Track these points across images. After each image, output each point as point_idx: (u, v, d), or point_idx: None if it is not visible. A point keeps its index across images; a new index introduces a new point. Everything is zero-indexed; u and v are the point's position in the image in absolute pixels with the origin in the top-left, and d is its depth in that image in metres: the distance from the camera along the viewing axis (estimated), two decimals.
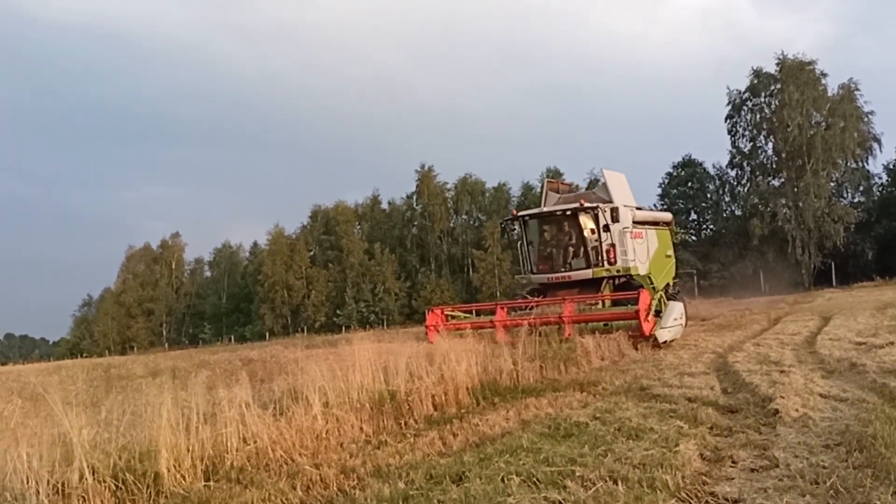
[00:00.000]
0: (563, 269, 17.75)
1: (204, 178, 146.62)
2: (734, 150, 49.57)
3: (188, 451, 5.63)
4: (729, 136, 49.42)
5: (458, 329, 15.76)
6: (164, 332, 69.50)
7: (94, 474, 5.01)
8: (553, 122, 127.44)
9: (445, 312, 17.48)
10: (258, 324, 61.54)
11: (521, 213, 18.71)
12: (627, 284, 16.77)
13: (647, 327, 13.79)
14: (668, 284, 19.81)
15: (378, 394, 7.74)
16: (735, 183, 51.85)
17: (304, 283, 61.71)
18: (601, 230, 17.00)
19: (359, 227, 65.02)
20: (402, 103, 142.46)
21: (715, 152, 78.62)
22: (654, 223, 20.63)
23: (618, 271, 17.16)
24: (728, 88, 48.80)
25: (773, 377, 8.68)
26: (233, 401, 6.22)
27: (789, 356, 10.87)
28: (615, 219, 16.73)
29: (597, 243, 17.19)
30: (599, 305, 15.89)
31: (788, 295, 34.03)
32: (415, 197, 62.66)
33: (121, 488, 5.09)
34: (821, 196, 44.68)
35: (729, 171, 51.42)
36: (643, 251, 18.42)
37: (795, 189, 46.03)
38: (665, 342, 13.96)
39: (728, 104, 48.85)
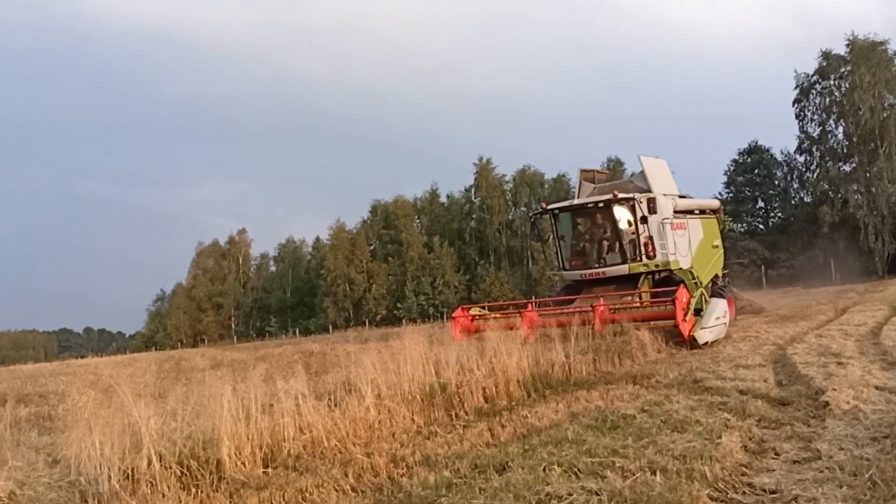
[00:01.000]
0: (597, 265, 16.63)
1: (268, 174, 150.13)
2: (803, 135, 48.17)
3: (248, 439, 5.94)
4: (797, 121, 48.07)
5: (480, 330, 14.41)
6: (233, 326, 71.50)
7: (160, 461, 5.36)
8: (614, 110, 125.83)
9: (472, 313, 16.48)
10: (321, 317, 62.76)
11: (551, 206, 17.55)
12: (668, 280, 15.65)
13: (685, 328, 12.78)
14: (715, 277, 18.83)
15: (429, 386, 7.94)
16: (804, 169, 50.40)
17: (366, 277, 62.62)
18: (638, 222, 15.84)
19: (418, 220, 65.58)
20: (459, 94, 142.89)
21: (782, 138, 76.22)
22: (700, 212, 19.34)
23: (657, 266, 15.98)
24: (796, 72, 47.46)
25: (830, 369, 8.55)
26: (289, 392, 6.52)
27: (851, 347, 10.65)
28: (652, 209, 15.65)
29: (633, 236, 16.03)
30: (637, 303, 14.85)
31: (860, 284, 32.88)
32: (473, 190, 62.86)
33: (185, 474, 5.43)
34: (895, 181, 42.99)
35: (797, 156, 50.08)
36: (684, 243, 17.03)
37: (867, 174, 44.43)
38: (706, 343, 12.95)
39: (796, 88, 47.49)
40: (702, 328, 13.01)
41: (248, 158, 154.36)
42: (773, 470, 4.69)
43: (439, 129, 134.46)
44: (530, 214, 20.09)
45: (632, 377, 9.85)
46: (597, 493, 4.18)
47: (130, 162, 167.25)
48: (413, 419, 7.46)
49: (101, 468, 5.07)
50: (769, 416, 6.38)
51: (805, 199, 51.09)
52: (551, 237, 17.77)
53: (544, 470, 4.87)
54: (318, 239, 73.01)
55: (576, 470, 4.82)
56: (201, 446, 5.66)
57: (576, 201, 17.49)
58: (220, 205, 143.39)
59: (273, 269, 76.88)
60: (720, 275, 19.33)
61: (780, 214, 53.28)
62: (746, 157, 53.12)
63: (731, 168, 53.65)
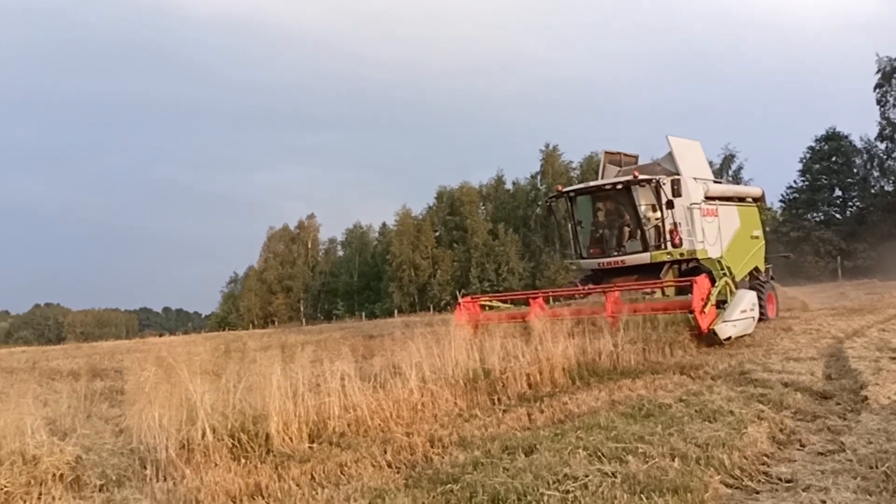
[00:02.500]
0: (615, 253, 15.44)
1: (337, 160, 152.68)
2: (884, 122, 46.34)
3: (295, 416, 6.32)
4: (878, 107, 46.28)
5: (488, 322, 13.81)
6: (302, 308, 73.41)
7: (213, 433, 5.78)
8: (684, 96, 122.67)
9: (481, 302, 15.49)
10: (387, 301, 63.81)
11: (566, 189, 16.44)
12: (696, 270, 14.32)
13: (703, 320, 11.62)
14: (755, 270, 17.66)
15: (472, 371, 8.20)
16: (885, 156, 48.44)
17: (430, 263, 63.30)
18: (663, 207, 14.61)
19: (483, 207, 65.81)
20: (527, 80, 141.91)
21: (862, 124, 73.15)
22: (738, 199, 18.03)
23: (681, 255, 14.72)
24: (877, 56, 45.58)
25: (882, 364, 8.43)
26: (335, 373, 6.88)
27: None
28: (676, 192, 14.36)
29: (658, 222, 14.86)
30: (658, 294, 13.55)
31: None
32: (539, 176, 62.61)
33: (236, 446, 5.84)
34: None
35: (878, 143, 48.16)
36: (713, 231, 15.68)
37: None
38: (729, 339, 11.90)
39: (877, 72, 45.70)
40: (724, 321, 11.91)
41: (318, 144, 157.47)
42: (795, 461, 4.77)
43: (506, 115, 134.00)
44: (545, 199, 18.05)
45: (680, 367, 9.88)
46: (612, 476, 4.35)
47: (205, 147, 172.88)
48: (456, 402, 7.73)
49: (159, 438, 5.52)
50: (806, 409, 6.40)
51: (885, 188, 49.07)
52: (569, 223, 16.55)
53: (570, 453, 5.06)
54: (384, 224, 74.24)
55: (599, 454, 4.99)
56: (251, 421, 6.07)
57: (592, 183, 16.48)
58: (291, 189, 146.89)
59: (341, 253, 78.56)
60: (762, 268, 18.17)
61: (858, 204, 51.32)
62: (823, 144, 51.26)
63: (807, 156, 51.90)
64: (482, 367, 8.42)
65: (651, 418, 6.27)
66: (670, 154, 15.75)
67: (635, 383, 8.67)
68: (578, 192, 16.26)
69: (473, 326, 13.44)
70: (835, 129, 51.31)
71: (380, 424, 6.84)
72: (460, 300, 15.31)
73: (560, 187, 16.52)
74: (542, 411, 7.23)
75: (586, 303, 13.59)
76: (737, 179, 61.10)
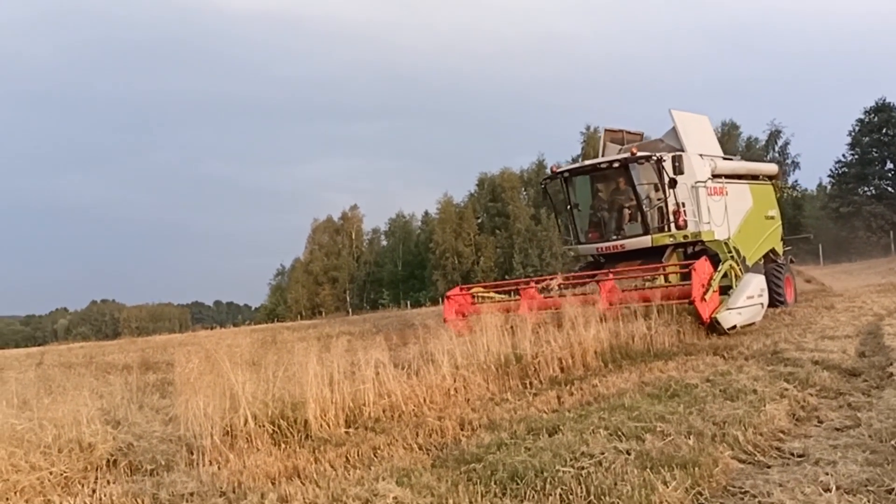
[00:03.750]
0: (614, 237, 14.43)
1: (379, 150, 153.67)
2: None
3: (332, 402, 6.64)
4: None
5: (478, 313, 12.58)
6: (348, 299, 74.39)
7: (255, 420, 6.13)
8: (726, 71, 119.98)
9: (473, 292, 14.56)
10: (431, 289, 64.28)
11: (561, 169, 15.20)
12: (702, 253, 13.18)
13: (704, 308, 10.90)
14: (772, 252, 16.81)
15: (504, 356, 8.42)
16: None
17: (473, 250, 63.55)
18: (666, 186, 13.60)
19: (525, 192, 65.70)
20: (565, 60, 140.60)
21: None
22: (750, 177, 17.03)
23: (685, 237, 13.70)
24: None
25: None
26: (369, 362, 7.18)
27: None
28: (678, 170, 13.33)
29: (660, 203, 13.85)
30: (661, 280, 12.64)
31: None
32: (581, 159, 62.18)
33: (276, 432, 6.19)
34: None
35: None
36: (720, 211, 14.61)
37: None
38: (734, 328, 11.19)
39: None
40: (727, 309, 11.16)
41: (360, 135, 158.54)
42: (811, 436, 4.89)
43: (546, 98, 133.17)
44: (541, 181, 16.54)
45: (714, 348, 9.96)
46: (626, 453, 4.54)
47: (250, 142, 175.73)
48: (488, 387, 7.97)
49: (204, 425, 5.88)
50: (831, 386, 6.48)
51: None
52: (566, 205, 15.52)
53: (592, 432, 5.26)
54: (426, 213, 74.68)
55: (619, 433, 5.18)
56: (290, 408, 6.40)
57: (587, 162, 15.40)
58: (334, 181, 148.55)
59: (384, 243, 79.32)
60: (779, 250, 17.28)
61: None
62: (873, 115, 49.82)
63: (856, 128, 50.52)
64: (514, 352, 8.63)
65: (675, 398, 6.42)
66: (674, 129, 14.87)
67: (667, 365, 8.79)
68: (573, 171, 15.21)
69: (464, 321, 12.73)
70: (885, 100, 49.85)
71: (413, 409, 7.12)
72: (448, 293, 14.43)
73: (555, 167, 15.38)
74: (571, 394, 7.42)
75: (580, 291, 12.92)
76: (783, 155, 59.94)
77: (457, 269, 63.64)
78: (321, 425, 6.43)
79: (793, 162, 60.24)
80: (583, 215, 15.23)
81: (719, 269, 11.66)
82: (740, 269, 12.67)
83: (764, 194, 17.08)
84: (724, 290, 11.66)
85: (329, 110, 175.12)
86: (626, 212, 14.31)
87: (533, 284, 13.63)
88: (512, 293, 14.25)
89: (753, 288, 11.95)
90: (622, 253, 14.25)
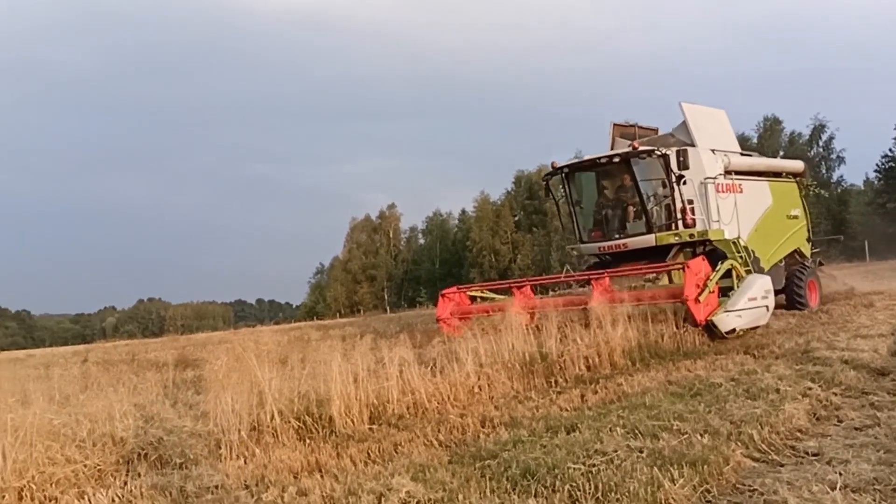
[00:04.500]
0: (617, 236, 13.81)
1: (416, 148, 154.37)
2: None
3: (356, 399, 6.78)
4: None
5: (467, 315, 12.72)
6: (386, 297, 74.93)
7: (280, 416, 6.30)
8: (766, 65, 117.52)
9: (470, 293, 14.11)
10: None
11: (561, 165, 14.49)
12: (712, 254, 12.69)
13: (698, 312, 10.29)
14: (796, 253, 15.97)
15: (529, 355, 8.47)
16: None
17: (510, 248, 63.47)
18: (672, 182, 12.99)
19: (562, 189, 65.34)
20: (600, 55, 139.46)
21: None
22: (772, 174, 16.21)
23: (691, 236, 13.04)
24: None
25: None
26: (393, 359, 7.31)
27: None
28: (683, 165, 12.62)
29: (666, 200, 13.23)
30: (665, 280, 12.10)
31: None
32: None
33: (302, 427, 6.34)
34: None
35: None
36: (729, 209, 13.78)
37: None
38: (732, 332, 10.59)
39: None
40: (725, 311, 10.56)
41: (396, 134, 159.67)
42: (828, 435, 4.88)
43: (582, 94, 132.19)
44: (542, 177, 15.89)
45: (745, 347, 9.89)
46: (639, 451, 4.58)
47: (290, 143, 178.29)
48: (512, 385, 8.04)
49: (232, 421, 6.06)
50: (856, 386, 6.42)
51: None
52: (567, 204, 14.89)
53: (609, 431, 5.31)
54: (463, 211, 74.94)
55: (636, 431, 5.22)
56: (315, 404, 6.56)
57: (587, 157, 14.60)
58: (371, 180, 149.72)
59: (422, 241, 79.71)
60: (806, 251, 16.47)
61: None
62: None
63: None
64: (539, 350, 8.68)
65: (698, 397, 6.42)
66: (684, 123, 14.25)
67: (695, 364, 8.76)
68: (574, 168, 14.52)
69: (457, 322, 12.70)
70: None
71: (437, 407, 7.23)
72: (444, 291, 14.07)
73: (555, 163, 14.64)
74: (595, 392, 7.45)
75: (577, 292, 12.50)
76: (827, 150, 58.64)
77: (494, 267, 63.66)
78: (345, 422, 6.57)
79: (837, 157, 59.01)
80: (585, 213, 14.76)
81: (718, 268, 11.04)
82: (745, 270, 12.07)
83: (786, 193, 16.28)
84: (726, 292, 11.14)
85: (365, 110, 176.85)
86: (630, 209, 13.75)
87: (528, 284, 13.22)
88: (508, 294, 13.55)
89: (756, 289, 11.32)
90: (627, 253, 13.70)
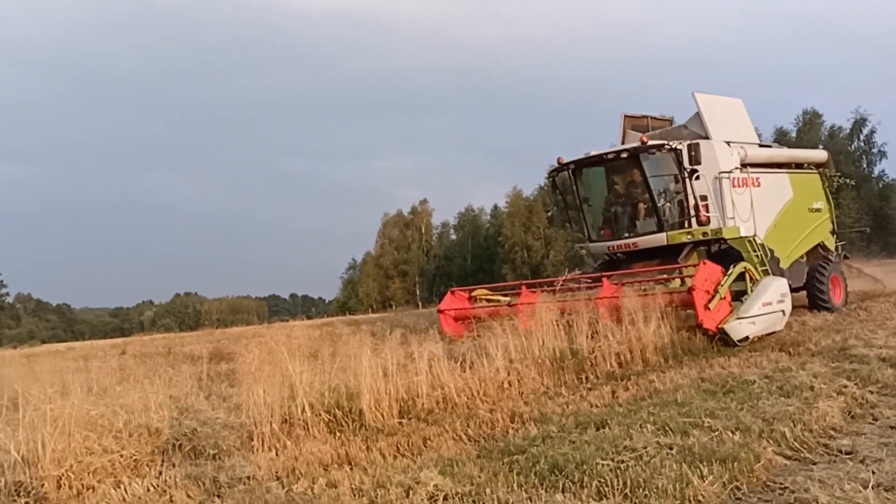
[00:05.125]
0: (626, 235, 13.20)
1: (448, 144, 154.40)
2: None
3: (386, 394, 6.83)
4: None
5: (476, 318, 12.07)
6: (418, 292, 75.06)
7: (311, 409, 6.38)
8: (810, 55, 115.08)
9: (474, 294, 13.51)
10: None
11: (568, 161, 13.78)
12: (726, 253, 12.20)
13: (708, 319, 9.77)
14: (820, 248, 15.15)
15: (559, 351, 8.45)
16: None
17: (543, 244, 63.17)
18: (684, 178, 12.36)
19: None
20: (638, 49, 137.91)
21: None
22: (796, 166, 15.51)
23: (704, 234, 12.36)
24: None
25: None
26: (422, 354, 7.34)
27: None
28: (695, 159, 12.02)
29: (678, 196, 12.61)
30: (677, 283, 11.17)
31: None
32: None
33: (332, 420, 6.42)
34: None
35: None
36: (745, 204, 13.04)
37: None
38: (746, 339, 10.04)
39: None
40: (738, 318, 9.96)
41: (429, 130, 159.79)
42: (863, 434, 4.80)
43: (617, 87, 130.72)
44: (548, 173, 15.06)
45: (781, 344, 9.76)
46: (669, 448, 4.55)
47: (323, 139, 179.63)
48: (542, 381, 8.02)
49: (264, 413, 6.16)
50: (893, 384, 6.32)
51: None
52: (575, 201, 14.21)
53: (639, 427, 5.28)
54: (495, 207, 74.67)
55: (667, 428, 5.18)
56: (346, 398, 6.63)
57: (594, 152, 13.70)
58: (404, 176, 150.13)
59: (453, 237, 79.70)
60: (830, 245, 15.58)
61: None
62: None
63: None
64: (570, 346, 8.65)
65: (730, 394, 6.36)
66: (697, 115, 13.51)
67: (729, 361, 8.67)
68: (581, 164, 13.77)
69: (458, 328, 12.28)
70: None
71: (466, 402, 7.25)
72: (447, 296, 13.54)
73: (561, 159, 13.90)
74: (626, 389, 7.41)
75: (582, 294, 11.62)
76: (868, 144, 57.33)
77: (526, 263, 63.45)
78: (375, 415, 6.63)
79: (879, 151, 57.60)
80: (594, 211, 14.11)
81: (730, 272, 10.35)
82: (762, 270, 11.56)
83: (808, 184, 15.41)
84: (739, 296, 10.54)
85: (398, 105, 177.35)
86: (641, 207, 13.08)
87: (525, 288, 12.68)
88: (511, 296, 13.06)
89: (772, 293, 10.67)
90: (637, 252, 13.11)
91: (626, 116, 15.05)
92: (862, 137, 58.04)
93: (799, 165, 15.67)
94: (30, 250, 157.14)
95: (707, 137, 12.97)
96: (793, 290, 13.54)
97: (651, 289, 10.91)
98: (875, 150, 57.58)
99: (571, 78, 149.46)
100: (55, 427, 5.29)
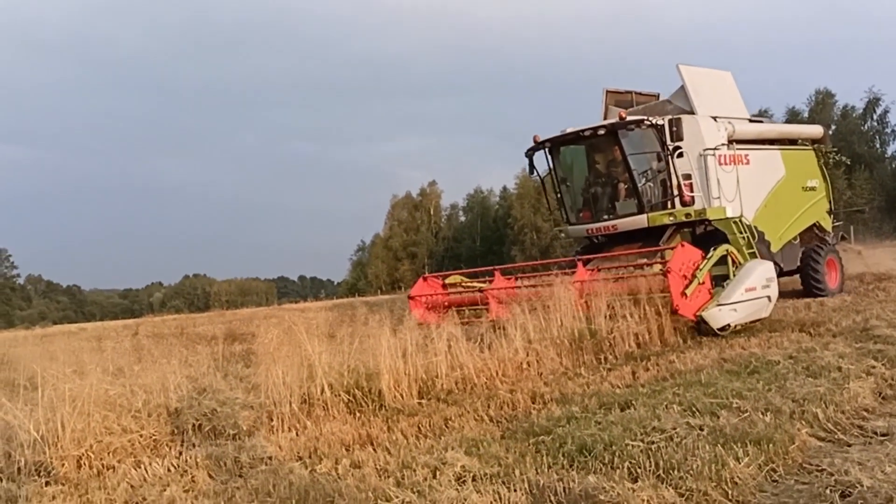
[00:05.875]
0: (606, 217, 12.46)
1: (456, 126, 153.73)
2: None
3: (405, 374, 6.77)
4: None
5: (449, 305, 11.51)
6: (426, 274, 75.05)
7: (331, 389, 6.31)
8: (819, 33, 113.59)
9: (447, 281, 12.83)
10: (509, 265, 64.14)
11: (543, 139, 12.97)
12: (712, 235, 11.51)
13: (685, 306, 9.00)
14: (816, 228, 14.40)
15: (578, 332, 8.35)
16: None
17: (552, 225, 62.87)
18: (667, 155, 11.68)
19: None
20: (648, 28, 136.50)
21: None
22: (790, 142, 14.70)
23: (687, 216, 11.63)
24: None
25: None
26: (441, 335, 7.27)
27: None
28: (677, 136, 11.37)
29: (661, 175, 11.91)
30: (657, 268, 10.08)
31: None
32: None
33: (352, 401, 6.36)
34: None
35: None
36: (731, 183, 12.28)
37: None
38: (727, 328, 9.32)
39: None
40: (718, 305, 9.24)
41: (437, 111, 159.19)
42: None
43: (629, 67, 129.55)
44: (526, 152, 13.57)
45: (800, 325, 9.65)
46: (699, 429, 4.46)
47: (330, 122, 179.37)
48: (561, 361, 7.94)
49: (283, 393, 6.10)
50: None
51: None
52: (553, 181, 13.44)
53: (666, 408, 5.19)
54: (504, 188, 74.38)
55: (694, 409, 5.09)
56: (365, 378, 6.56)
57: (570, 129, 12.82)
58: (412, 158, 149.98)
59: (462, 218, 79.52)
60: (827, 226, 14.74)
61: None
62: None
63: None
64: (588, 327, 8.55)
65: (755, 375, 6.26)
66: (682, 88, 12.74)
67: (749, 341, 8.57)
68: (558, 141, 12.97)
69: (430, 317, 11.10)
70: None
71: (485, 382, 7.18)
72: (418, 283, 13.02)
73: (538, 137, 13.05)
74: (647, 369, 7.33)
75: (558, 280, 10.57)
76: (882, 124, 56.76)
77: (535, 245, 63.28)
78: (394, 396, 6.57)
79: (893, 131, 56.98)
80: (573, 192, 13.34)
81: (709, 255, 9.57)
82: (749, 253, 10.92)
83: (802, 161, 14.57)
84: (721, 281, 9.82)
85: (405, 87, 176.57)
86: (621, 187, 12.34)
87: (497, 274, 12.04)
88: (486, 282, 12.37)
89: (756, 278, 9.87)
90: (619, 235, 12.41)
91: (608, 91, 14.12)
92: (875, 117, 57.46)
93: (792, 142, 14.93)
94: (40, 232, 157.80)
95: (692, 112, 12.36)
96: (786, 273, 13.37)
97: (630, 273, 10.23)
98: (889, 130, 57.04)
99: (580, 58, 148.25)
100: (74, 407, 5.25)
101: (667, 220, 11.79)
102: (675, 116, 11.69)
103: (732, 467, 3.67)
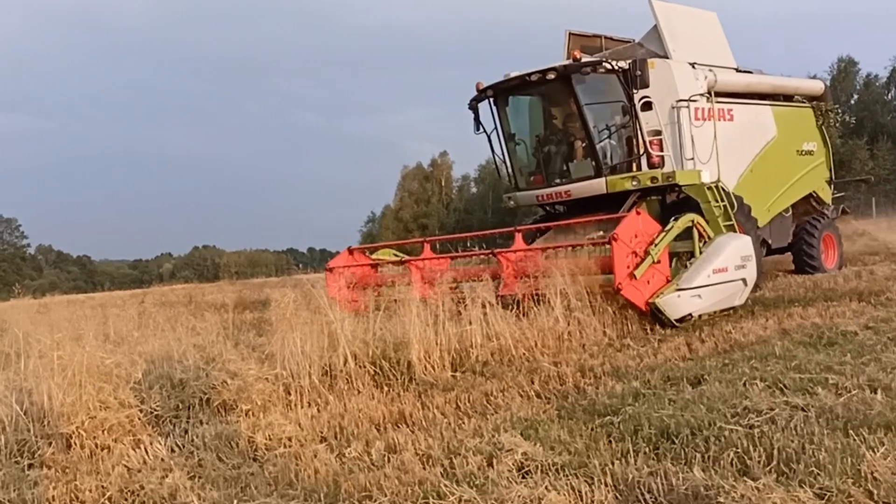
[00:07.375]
0: (558, 181, 10.41)
1: (466, 97, 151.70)
2: None
3: (437, 344, 6.07)
4: None
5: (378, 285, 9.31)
6: (437, 246, 74.33)
7: (355, 360, 5.62)
8: (842, 3, 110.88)
9: (374, 256, 10.64)
10: None
11: (485, 86, 10.70)
12: (683, 204, 9.45)
13: (634, 292, 7.25)
14: (813, 199, 12.57)
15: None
16: None
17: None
18: (632, 107, 9.73)
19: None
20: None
21: None
22: (784, 98, 12.55)
23: (653, 179, 9.57)
24: None
25: None
26: (476, 301, 6.55)
27: None
28: (641, 82, 9.35)
29: (626, 131, 9.94)
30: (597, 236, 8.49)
31: None
32: None
33: (378, 373, 5.67)
34: None
35: None
36: (706, 142, 10.27)
37: None
38: (687, 318, 7.56)
39: None
40: (676, 290, 7.39)
41: (444, 82, 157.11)
42: None
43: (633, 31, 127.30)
44: (468, 105, 10.79)
45: (857, 294, 8.88)
46: (803, 409, 3.74)
47: (338, 92, 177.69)
48: (605, 332, 7.23)
49: (302, 364, 5.41)
50: None
51: None
52: (498, 138, 11.06)
53: (745, 384, 4.48)
54: None
55: (781, 386, 4.38)
56: (392, 349, 5.87)
57: (514, 74, 10.44)
58: (421, 129, 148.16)
59: (474, 190, 78.52)
60: (826, 197, 12.87)
61: None
62: None
63: None
64: None
65: (835, 347, 5.54)
66: (655, 28, 10.61)
67: (807, 311, 7.84)
68: (500, 89, 10.65)
69: (351, 295, 8.86)
70: None
71: (524, 353, 6.49)
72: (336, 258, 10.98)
73: (481, 84, 10.76)
74: (703, 341, 6.63)
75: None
76: None
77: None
78: (425, 367, 5.88)
79: None
80: (523, 151, 11.11)
81: (668, 227, 7.77)
82: (725, 226, 8.86)
83: (796, 121, 12.49)
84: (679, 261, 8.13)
85: (416, 58, 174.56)
86: (578, 145, 10.20)
87: (427, 248, 10.46)
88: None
89: (728, 257, 7.96)
90: (576, 203, 10.33)
91: (571, 34, 11.55)
92: None
93: (788, 98, 12.74)
94: (50, 202, 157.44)
95: (666, 57, 10.34)
96: (776, 251, 11.93)
97: (580, 251, 8.31)
98: None
99: (592, 26, 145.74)
100: (64, 377, 4.57)
101: (629, 186, 9.73)
102: (640, 59, 9.66)
103: (870, 459, 2.93)
